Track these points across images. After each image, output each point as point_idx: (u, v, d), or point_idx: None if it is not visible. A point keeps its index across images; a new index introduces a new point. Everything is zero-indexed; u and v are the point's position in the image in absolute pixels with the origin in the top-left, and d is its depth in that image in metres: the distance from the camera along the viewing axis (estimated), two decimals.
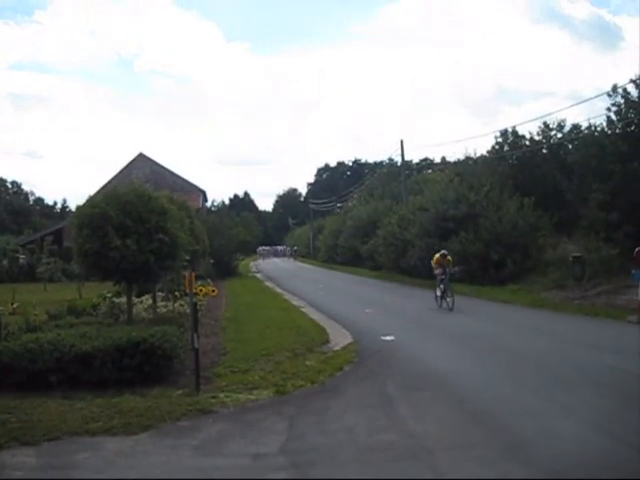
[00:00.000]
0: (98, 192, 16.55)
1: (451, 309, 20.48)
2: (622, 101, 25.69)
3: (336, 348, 14.28)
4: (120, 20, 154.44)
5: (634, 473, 6.42)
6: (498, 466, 6.76)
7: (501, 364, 12.19)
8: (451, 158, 51.95)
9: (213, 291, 13.00)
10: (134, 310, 15.82)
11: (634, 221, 24.01)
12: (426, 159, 76.72)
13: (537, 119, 57.30)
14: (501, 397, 9.68)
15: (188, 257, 15.84)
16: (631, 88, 25.43)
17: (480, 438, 7.70)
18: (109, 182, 38.67)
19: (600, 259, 23.89)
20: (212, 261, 37.39)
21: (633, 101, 25.40)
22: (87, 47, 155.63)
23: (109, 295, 18.57)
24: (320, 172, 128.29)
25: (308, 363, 12.51)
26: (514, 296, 23.81)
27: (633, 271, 17.56)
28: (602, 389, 9.85)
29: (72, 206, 78.82)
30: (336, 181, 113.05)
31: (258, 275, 48.16)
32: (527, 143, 36.37)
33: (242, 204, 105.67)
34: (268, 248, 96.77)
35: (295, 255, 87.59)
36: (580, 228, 26.91)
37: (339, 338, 15.58)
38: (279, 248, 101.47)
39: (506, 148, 37.13)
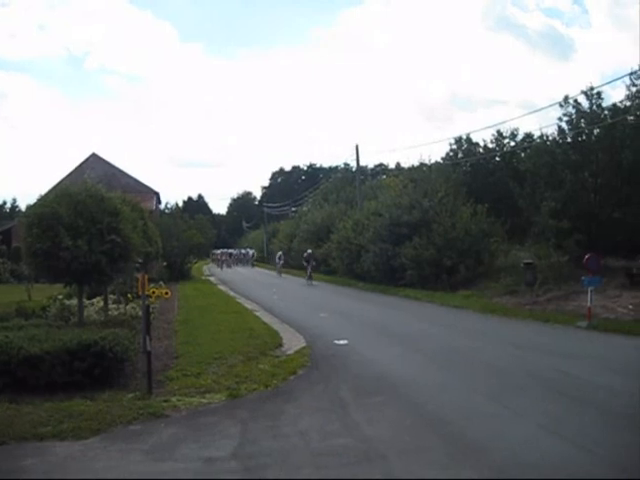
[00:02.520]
0: (50, 192, 16.26)
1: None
2: (573, 111, 26.18)
3: (290, 352, 14.23)
4: (70, 15, 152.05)
5: (583, 474, 6.50)
6: (451, 469, 6.79)
7: (454, 368, 12.26)
8: (406, 164, 52.28)
9: (166, 293, 12.89)
10: (85, 312, 15.55)
11: (584, 229, 24.48)
12: (381, 164, 77.31)
13: (491, 127, 58.05)
14: (454, 401, 9.72)
15: (141, 259, 15.66)
16: (582, 99, 25.94)
17: (433, 442, 7.72)
18: (61, 182, 37.99)
19: (551, 266, 24.30)
20: (165, 263, 37.09)
21: (584, 112, 25.89)
22: (36, 42, 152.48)
23: (60, 297, 18.26)
24: (275, 176, 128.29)
25: (261, 367, 12.43)
26: (466, 301, 24.02)
27: (583, 277, 17.92)
28: (553, 393, 9.97)
29: (22, 206, 77.63)
30: (291, 185, 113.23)
31: (211, 279, 47.83)
32: (481, 150, 36.83)
33: (196, 207, 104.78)
34: (235, 252, 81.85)
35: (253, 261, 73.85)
36: (532, 235, 27.32)
37: (293, 342, 15.53)
38: (246, 252, 79.63)
39: (460, 155, 37.53)
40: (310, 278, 38.37)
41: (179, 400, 9.89)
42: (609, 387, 10.16)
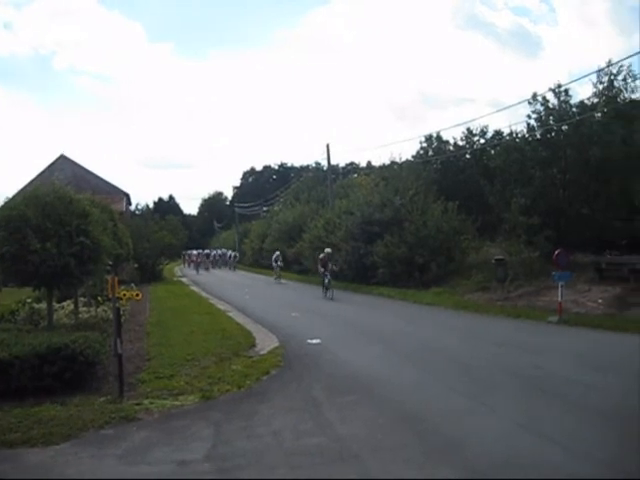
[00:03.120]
0: (17, 194, 16.02)
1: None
2: (542, 109, 26.43)
3: (262, 352, 14.17)
4: (37, 15, 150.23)
5: (556, 470, 6.53)
6: (426, 467, 6.79)
7: (427, 365, 12.28)
8: (377, 162, 52.42)
9: (137, 295, 12.79)
10: (55, 316, 15.38)
11: (553, 225, 24.75)
12: (352, 163, 77.69)
13: (461, 125, 58.49)
14: (427, 398, 9.74)
15: (111, 261, 15.52)
16: (550, 96, 26.21)
17: (408, 440, 7.72)
18: (29, 184, 37.55)
19: (521, 262, 24.46)
20: (136, 265, 36.84)
21: (552, 109, 26.15)
22: (1, 41, 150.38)
23: (29, 301, 18.01)
24: (246, 176, 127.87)
25: (234, 367, 12.37)
26: (439, 298, 24.14)
27: (553, 273, 18.08)
28: (527, 389, 10.03)
29: None
30: (262, 185, 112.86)
31: (183, 280, 47.55)
32: (451, 148, 37.03)
33: (167, 207, 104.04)
34: (214, 252, 72.15)
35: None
36: (502, 232, 27.48)
37: (265, 342, 15.47)
38: (224, 253, 70.22)
39: (430, 153, 37.68)
40: (328, 289, 27.48)
41: (151, 403, 9.79)
42: (582, 382, 10.24)
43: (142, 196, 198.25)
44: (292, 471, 6.86)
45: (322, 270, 28.33)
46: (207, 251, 72.78)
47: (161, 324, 18.90)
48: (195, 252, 67.04)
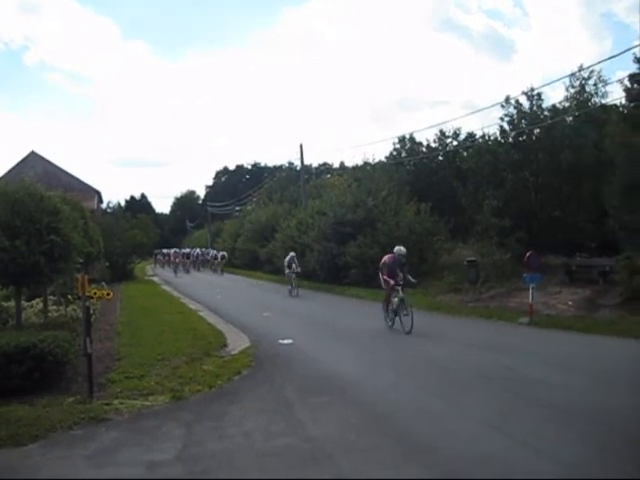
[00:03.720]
0: None
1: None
2: (514, 112, 26.68)
3: (234, 352, 14.12)
4: (7, 8, 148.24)
5: (527, 470, 6.55)
6: (399, 468, 6.78)
7: (399, 367, 12.29)
8: (350, 163, 52.55)
9: (108, 294, 12.64)
10: (24, 315, 15.17)
11: (525, 227, 25.01)
12: (325, 164, 77.60)
13: (434, 126, 58.73)
14: (400, 400, 9.73)
15: (81, 259, 15.33)
16: (523, 100, 26.51)
17: (380, 441, 7.71)
18: None
19: (493, 263, 24.68)
20: (107, 264, 36.45)
21: (525, 112, 26.40)
22: None
23: None
24: (219, 175, 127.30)
25: (205, 367, 12.31)
26: (411, 299, 24.09)
27: (524, 275, 18.21)
28: (498, 390, 10.07)
29: None
30: (235, 184, 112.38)
31: (155, 279, 47.22)
32: (424, 150, 37.24)
33: (139, 206, 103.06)
34: (197, 252, 60.15)
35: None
36: (474, 233, 27.69)
37: (237, 342, 15.42)
38: (206, 252, 61.88)
39: (404, 154, 37.88)
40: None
41: (121, 403, 9.69)
42: (552, 383, 10.30)
43: (114, 194, 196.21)
44: (263, 473, 6.81)
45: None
46: (187, 250, 60.89)
47: (132, 323, 18.72)
48: (171, 251, 60.36)
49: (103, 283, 27.84)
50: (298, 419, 8.84)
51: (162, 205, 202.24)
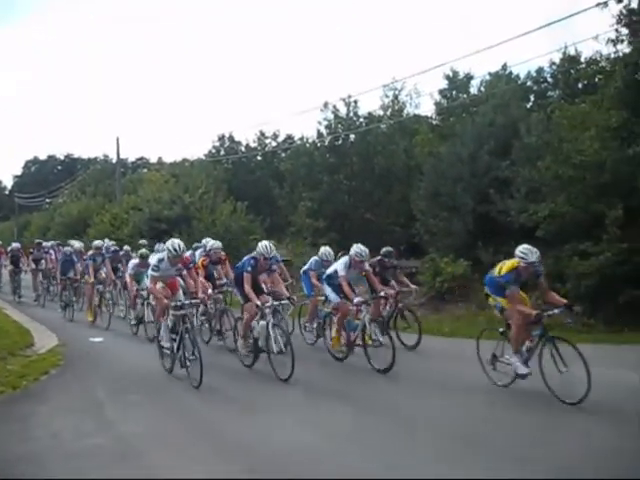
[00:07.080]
0: None
1: None
2: (332, 117, 27.50)
3: (42, 351, 13.51)
4: None
5: None
6: (212, 463, 6.74)
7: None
8: (168, 159, 51.83)
9: None
10: None
11: (338, 228, 25.75)
12: (142, 158, 75.86)
13: (254, 126, 59.16)
14: (211, 398, 9.69)
15: None
16: (341, 105, 27.40)
17: (191, 438, 7.64)
18: None
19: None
20: None
21: (342, 117, 27.28)
22: None
23: None
24: (28, 164, 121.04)
25: (10, 367, 11.68)
26: None
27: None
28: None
29: None
30: (46, 175, 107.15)
31: None
32: (243, 149, 37.46)
33: None
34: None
35: None
36: (289, 233, 28.16)
37: (45, 340, 14.77)
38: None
39: (222, 152, 37.88)
40: None
41: None
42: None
43: None
44: (71, 474, 6.50)
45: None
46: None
47: None
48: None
49: None
50: (108, 418, 8.65)
51: None
